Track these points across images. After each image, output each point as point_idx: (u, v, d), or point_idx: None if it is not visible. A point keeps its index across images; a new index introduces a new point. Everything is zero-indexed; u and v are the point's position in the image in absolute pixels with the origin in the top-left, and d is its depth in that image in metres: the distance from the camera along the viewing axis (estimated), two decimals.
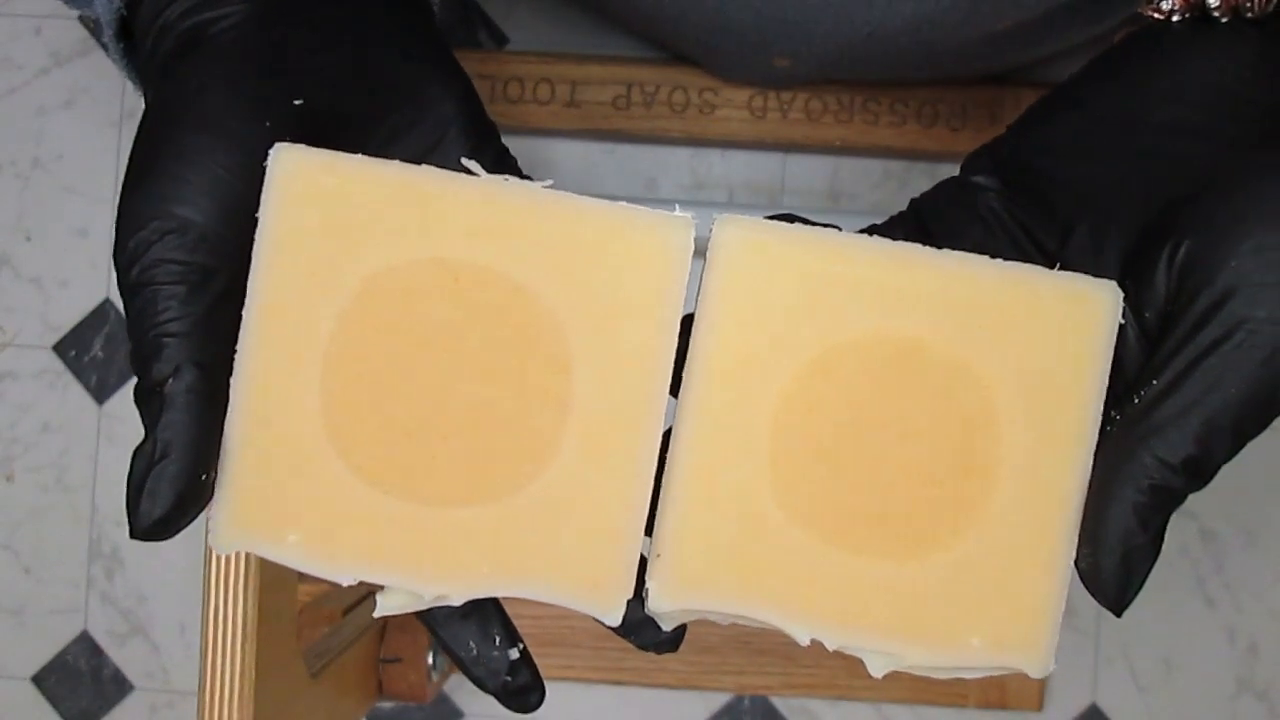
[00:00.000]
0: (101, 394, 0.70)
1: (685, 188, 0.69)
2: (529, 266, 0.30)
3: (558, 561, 0.31)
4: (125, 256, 0.31)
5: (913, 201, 0.37)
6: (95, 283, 0.70)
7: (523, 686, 0.35)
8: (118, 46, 0.37)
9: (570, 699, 0.68)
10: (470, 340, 0.30)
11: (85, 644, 0.69)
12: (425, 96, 0.36)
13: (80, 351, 0.70)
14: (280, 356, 0.30)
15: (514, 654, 0.35)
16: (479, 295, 0.30)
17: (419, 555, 0.31)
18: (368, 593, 0.62)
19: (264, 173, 0.31)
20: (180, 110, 0.32)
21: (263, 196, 0.31)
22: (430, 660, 0.58)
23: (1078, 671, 0.67)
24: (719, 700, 0.69)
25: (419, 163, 0.33)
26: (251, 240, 0.31)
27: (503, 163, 0.37)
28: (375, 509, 0.31)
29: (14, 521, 0.70)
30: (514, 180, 0.31)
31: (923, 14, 0.51)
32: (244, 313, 0.31)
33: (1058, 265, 0.32)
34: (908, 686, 0.66)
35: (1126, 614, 0.32)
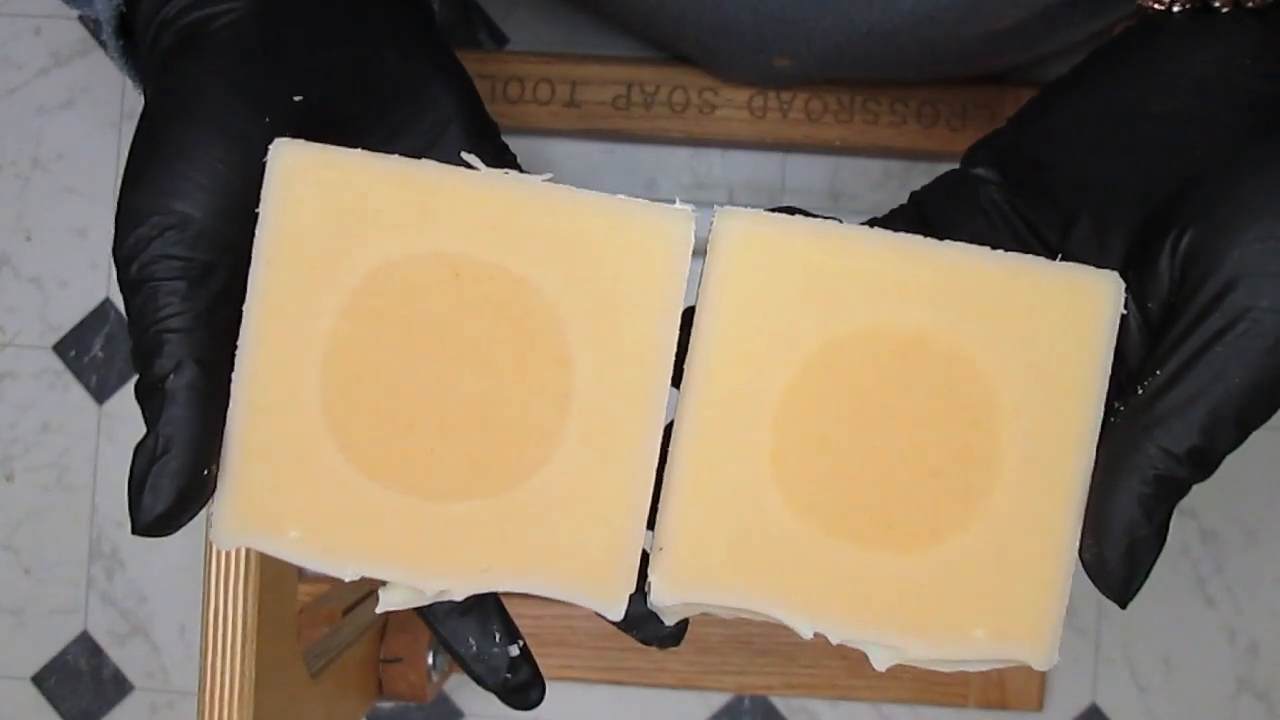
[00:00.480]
0: (101, 394, 0.70)
1: (685, 188, 0.69)
2: (529, 260, 0.30)
3: (559, 556, 0.31)
4: (125, 252, 0.31)
5: (913, 194, 0.37)
6: (95, 283, 0.70)
7: (523, 683, 0.35)
8: (117, 44, 0.37)
9: (570, 699, 0.68)
10: (470, 334, 0.30)
11: (85, 644, 0.69)
12: (425, 94, 0.36)
13: (80, 351, 0.70)
14: (280, 352, 0.30)
15: (514, 650, 0.35)
16: (479, 289, 0.30)
17: (420, 550, 0.31)
18: (368, 592, 0.62)
19: (264, 168, 0.31)
20: (180, 106, 0.32)
21: (263, 192, 0.31)
22: (430, 660, 0.58)
23: (1078, 671, 0.67)
24: (719, 700, 0.69)
25: (419, 159, 0.33)
26: (251, 236, 0.31)
27: (502, 159, 0.37)
28: (376, 503, 0.30)
29: (14, 521, 0.70)
30: (513, 174, 0.31)
31: (922, 11, 0.51)
32: (244, 308, 0.31)
33: (1059, 256, 0.32)
34: (908, 686, 0.66)
35: (1127, 613, 0.32)
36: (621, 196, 0.30)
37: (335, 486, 0.30)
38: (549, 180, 0.31)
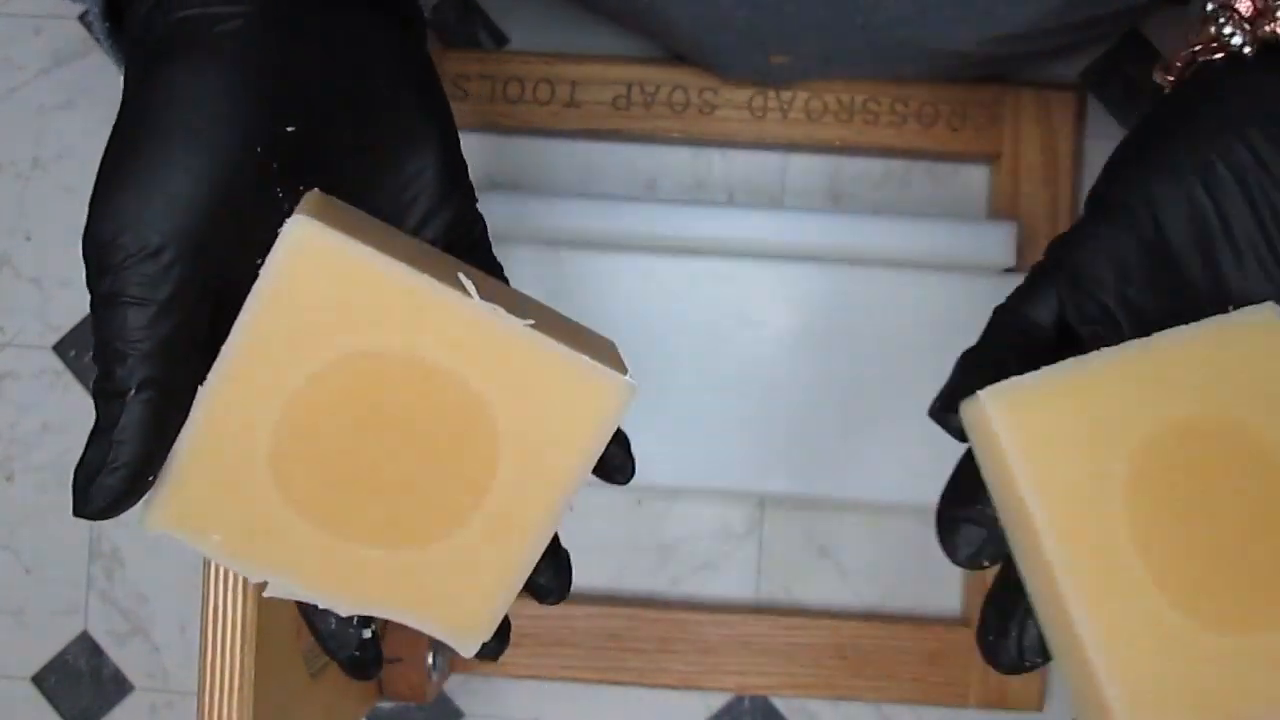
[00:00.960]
0: None
1: (685, 188, 0.69)
2: (489, 383, 0.34)
3: (435, 604, 0.36)
4: (98, 258, 0.32)
5: (969, 355, 0.38)
6: None
7: (368, 660, 0.39)
8: (103, 26, 0.37)
9: (570, 699, 0.68)
10: (421, 424, 0.34)
11: (85, 644, 0.69)
12: (412, 135, 0.36)
13: (80, 351, 0.70)
14: (247, 392, 0.33)
15: (366, 634, 0.39)
16: (439, 393, 0.34)
17: (323, 575, 0.35)
18: None
19: (247, 197, 0.32)
20: (172, 118, 0.32)
21: (272, 254, 0.32)
22: (430, 660, 0.58)
23: None
24: (719, 700, 0.69)
25: (398, 198, 0.36)
26: (224, 264, 0.32)
27: (469, 197, 0.38)
28: (295, 532, 0.34)
29: (14, 521, 0.70)
30: (500, 310, 0.34)
31: (915, 7, 0.51)
32: (226, 344, 0.33)
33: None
34: (908, 687, 0.66)
35: None
36: (585, 358, 0.35)
37: (263, 509, 0.34)
38: (531, 325, 0.34)
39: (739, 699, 0.68)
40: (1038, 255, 0.65)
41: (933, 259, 0.63)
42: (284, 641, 0.43)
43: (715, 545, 0.69)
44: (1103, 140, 0.68)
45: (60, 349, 0.70)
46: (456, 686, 0.67)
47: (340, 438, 0.34)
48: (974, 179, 0.69)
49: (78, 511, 0.32)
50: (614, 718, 0.68)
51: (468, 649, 0.37)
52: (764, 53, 0.59)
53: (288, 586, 0.35)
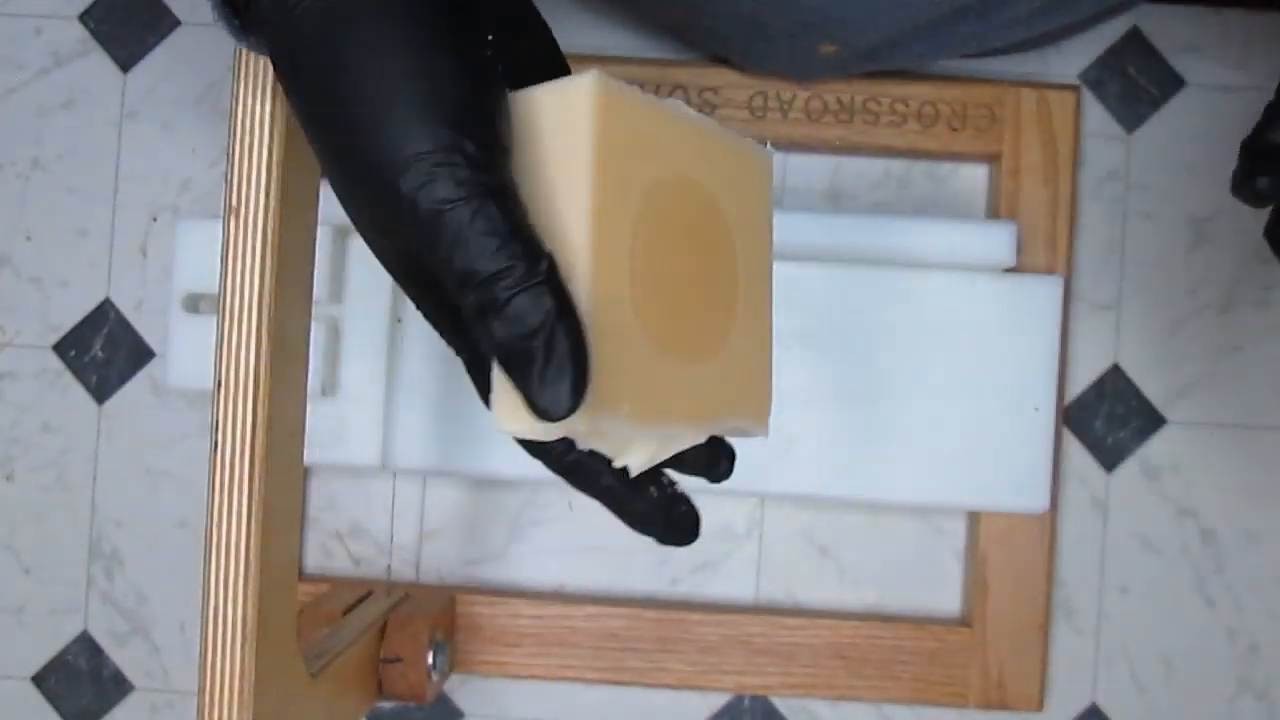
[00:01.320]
0: (101, 394, 0.70)
1: None
2: (718, 182, 0.39)
3: (745, 401, 0.40)
4: (417, 183, 0.32)
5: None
6: (95, 283, 0.70)
7: (694, 516, 0.42)
8: (225, 10, 0.37)
9: (570, 699, 0.68)
10: (697, 237, 0.38)
11: (85, 644, 0.69)
12: (541, 27, 0.41)
13: (80, 351, 0.70)
14: (609, 249, 0.35)
15: (679, 488, 0.41)
16: (698, 202, 0.38)
17: (692, 409, 0.38)
18: (367, 592, 0.62)
19: (495, 96, 0.34)
20: (420, 34, 0.34)
21: (583, 117, 0.35)
22: (430, 660, 0.58)
23: (1078, 671, 0.67)
24: (719, 700, 0.69)
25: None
26: (506, 156, 0.34)
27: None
28: (670, 376, 0.37)
29: (14, 521, 0.70)
30: (710, 120, 0.39)
31: None
32: (575, 220, 0.34)
33: None
34: (908, 686, 0.66)
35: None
36: (746, 138, 0.41)
37: (644, 363, 0.36)
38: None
39: (739, 699, 0.69)
40: (1038, 255, 0.65)
41: (933, 259, 0.63)
42: (284, 641, 0.43)
43: (715, 545, 0.69)
44: (1103, 140, 0.68)
45: (60, 349, 0.70)
46: (456, 686, 0.67)
47: (664, 270, 0.37)
48: (974, 179, 0.69)
49: (555, 413, 0.32)
50: (614, 718, 0.68)
51: (766, 428, 0.41)
52: (816, 41, 0.58)
53: (669, 436, 0.38)
